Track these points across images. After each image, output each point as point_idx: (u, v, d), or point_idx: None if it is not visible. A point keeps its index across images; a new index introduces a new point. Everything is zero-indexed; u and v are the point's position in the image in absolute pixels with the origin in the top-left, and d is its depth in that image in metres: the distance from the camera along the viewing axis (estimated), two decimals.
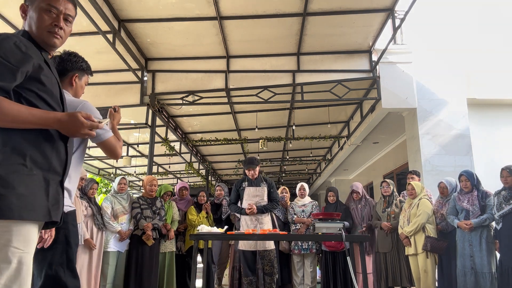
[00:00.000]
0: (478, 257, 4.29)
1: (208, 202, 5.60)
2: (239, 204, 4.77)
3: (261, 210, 4.56)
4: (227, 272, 6.03)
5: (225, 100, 7.20)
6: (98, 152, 9.91)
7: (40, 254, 1.78)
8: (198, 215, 5.43)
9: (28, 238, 1.36)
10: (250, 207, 4.51)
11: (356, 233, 5.41)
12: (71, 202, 1.93)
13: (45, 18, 1.55)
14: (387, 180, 5.31)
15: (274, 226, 5.15)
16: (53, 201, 1.43)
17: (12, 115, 1.32)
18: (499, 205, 4.30)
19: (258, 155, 11.40)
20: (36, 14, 1.54)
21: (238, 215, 5.41)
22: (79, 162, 1.97)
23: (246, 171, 4.71)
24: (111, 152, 1.96)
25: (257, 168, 4.71)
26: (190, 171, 11.65)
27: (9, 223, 1.29)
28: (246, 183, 4.72)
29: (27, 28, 1.55)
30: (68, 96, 1.96)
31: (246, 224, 4.58)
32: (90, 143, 2.07)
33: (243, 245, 4.54)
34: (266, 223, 4.61)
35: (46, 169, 1.42)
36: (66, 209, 1.86)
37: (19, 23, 4.97)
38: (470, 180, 4.52)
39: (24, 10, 1.57)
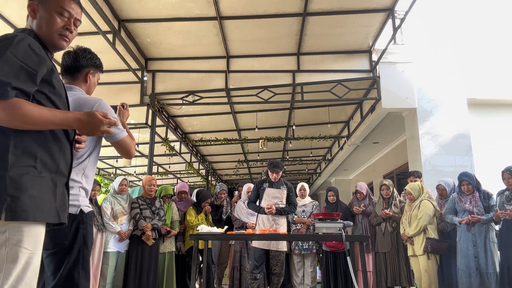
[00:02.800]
0: (482, 257, 4.28)
1: (208, 206, 5.59)
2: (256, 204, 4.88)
3: (280, 211, 4.67)
4: (227, 272, 6.03)
5: (225, 100, 7.20)
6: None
7: (58, 253, 1.78)
8: (197, 216, 5.42)
9: (37, 239, 1.38)
10: (269, 207, 4.60)
11: (357, 233, 5.42)
12: (88, 202, 1.95)
13: (58, 21, 1.56)
14: (386, 183, 5.29)
15: (289, 230, 5.23)
16: (60, 203, 1.45)
17: (36, 117, 1.35)
18: (501, 205, 4.30)
19: (258, 155, 11.40)
20: (48, 15, 1.54)
21: (244, 217, 5.48)
22: (95, 163, 1.99)
23: (270, 173, 4.81)
24: (126, 152, 1.98)
25: (281, 173, 4.82)
26: (190, 171, 11.64)
27: (21, 224, 1.31)
28: (267, 184, 4.83)
29: (35, 28, 1.54)
30: (82, 94, 1.98)
31: (262, 224, 4.67)
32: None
33: (256, 243, 4.62)
34: (282, 225, 4.70)
35: (54, 171, 1.44)
36: (86, 209, 1.89)
37: (19, 23, 4.96)
38: (471, 183, 4.52)
39: (33, 9, 1.55)
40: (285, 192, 4.81)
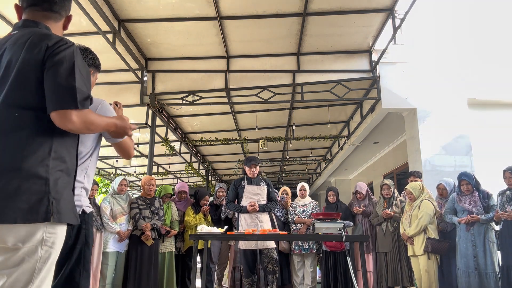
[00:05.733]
0: (481, 257, 4.29)
1: (207, 206, 5.59)
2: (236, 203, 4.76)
3: (262, 208, 4.57)
4: (227, 272, 6.03)
5: (225, 100, 7.20)
6: (100, 152, 9.90)
7: (60, 253, 1.78)
8: (195, 216, 5.42)
9: (62, 241, 1.42)
10: (252, 204, 4.51)
11: (357, 233, 5.42)
12: (88, 202, 1.97)
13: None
14: (387, 183, 5.29)
15: (273, 226, 5.14)
16: (73, 204, 1.49)
17: (96, 124, 1.44)
18: (502, 205, 4.30)
19: (258, 155, 11.38)
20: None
21: (236, 214, 5.40)
22: (96, 162, 2.03)
23: (247, 169, 4.70)
24: (126, 152, 2.01)
25: (258, 167, 4.71)
26: (190, 171, 11.65)
27: (56, 226, 1.35)
28: (246, 181, 4.71)
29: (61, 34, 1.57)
30: None
31: (245, 223, 4.55)
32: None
33: (243, 244, 4.52)
34: (266, 222, 4.60)
35: (71, 175, 1.49)
36: (87, 209, 1.91)
37: None
38: (471, 183, 4.52)
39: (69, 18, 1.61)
40: (266, 188, 4.70)
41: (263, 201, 4.64)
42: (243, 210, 4.57)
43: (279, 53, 6.52)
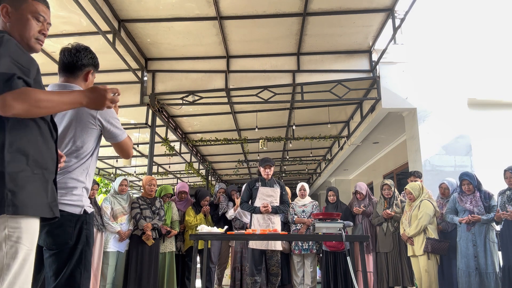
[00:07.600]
0: (482, 257, 4.29)
1: (207, 206, 5.60)
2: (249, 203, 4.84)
3: (275, 210, 4.65)
4: (227, 272, 6.03)
5: (225, 100, 7.20)
6: (100, 152, 9.90)
7: (60, 254, 1.80)
8: (195, 216, 5.43)
9: (34, 236, 1.40)
10: (265, 205, 4.58)
11: (357, 233, 5.41)
12: (89, 202, 1.97)
13: (34, 26, 1.56)
14: (388, 183, 5.29)
15: (288, 230, 5.22)
16: (51, 198, 1.47)
17: (49, 100, 1.37)
18: (502, 205, 4.30)
19: (258, 155, 11.40)
20: (25, 20, 1.54)
21: (245, 218, 5.45)
22: (96, 162, 2.04)
23: (262, 169, 4.77)
24: (125, 152, 2.02)
25: (272, 168, 4.78)
26: (190, 171, 11.64)
27: (19, 221, 1.33)
28: (260, 183, 4.78)
29: (9, 30, 1.52)
30: None
31: (258, 223, 4.63)
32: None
33: (254, 244, 4.57)
34: (277, 224, 4.69)
35: (44, 168, 1.46)
36: (89, 209, 1.92)
37: None
38: (472, 183, 4.52)
39: (7, 11, 1.52)
40: (279, 190, 4.77)
41: (276, 203, 4.72)
42: (256, 210, 4.65)
43: (279, 53, 6.52)
